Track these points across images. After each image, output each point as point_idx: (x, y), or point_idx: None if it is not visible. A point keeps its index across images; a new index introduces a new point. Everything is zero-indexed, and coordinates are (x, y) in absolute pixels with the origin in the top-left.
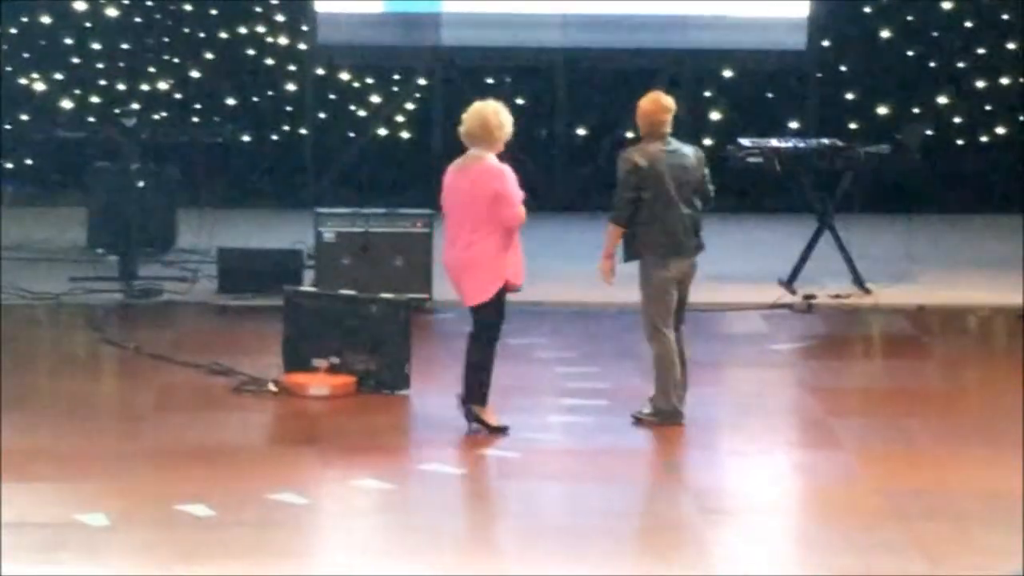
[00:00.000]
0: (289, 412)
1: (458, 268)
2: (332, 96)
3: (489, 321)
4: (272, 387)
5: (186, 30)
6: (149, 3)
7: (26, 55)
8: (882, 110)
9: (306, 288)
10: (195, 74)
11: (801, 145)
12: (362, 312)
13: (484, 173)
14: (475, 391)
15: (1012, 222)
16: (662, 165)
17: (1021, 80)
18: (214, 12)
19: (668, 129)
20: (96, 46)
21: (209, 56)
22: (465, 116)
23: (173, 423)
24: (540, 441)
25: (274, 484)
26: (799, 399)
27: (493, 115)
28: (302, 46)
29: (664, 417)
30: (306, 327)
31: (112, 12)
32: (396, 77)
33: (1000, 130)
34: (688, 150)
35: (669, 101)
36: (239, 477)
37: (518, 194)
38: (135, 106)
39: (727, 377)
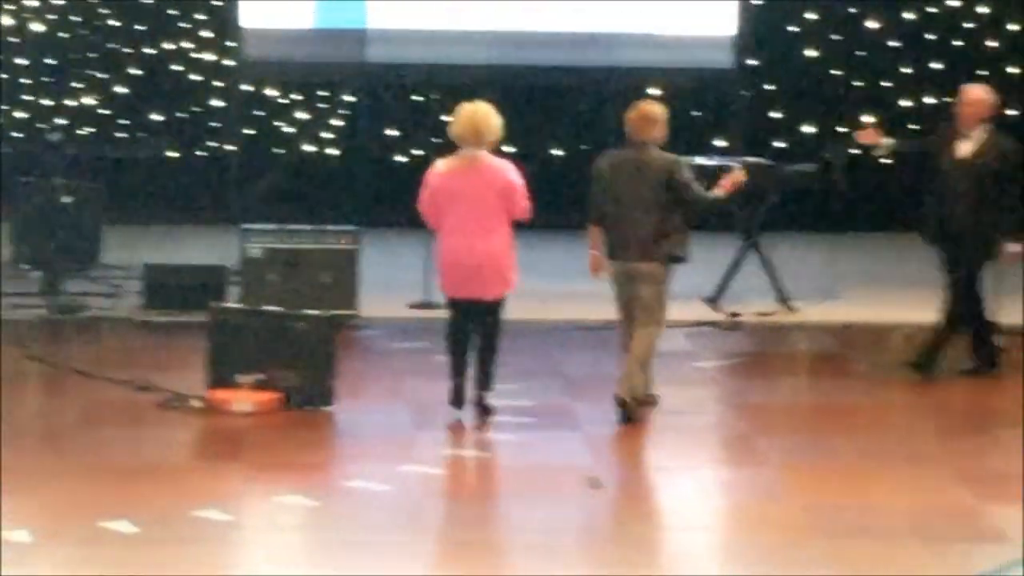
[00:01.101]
0: (214, 428)
1: (474, 263)
2: (258, 112)
3: (500, 312)
4: (197, 403)
5: (112, 45)
6: (75, 18)
7: None
8: (808, 129)
9: (232, 304)
10: (121, 89)
11: (727, 163)
12: (287, 328)
13: (493, 167)
14: (489, 380)
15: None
16: (621, 170)
17: (945, 100)
18: (140, 28)
19: (644, 137)
20: (21, 61)
21: (135, 72)
22: (456, 118)
23: (98, 439)
24: (465, 458)
25: (199, 500)
26: (724, 416)
27: (485, 117)
28: (228, 62)
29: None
30: (231, 343)
31: (38, 27)
32: (322, 93)
33: None
34: (661, 160)
35: (652, 111)
36: (164, 493)
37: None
38: (61, 121)
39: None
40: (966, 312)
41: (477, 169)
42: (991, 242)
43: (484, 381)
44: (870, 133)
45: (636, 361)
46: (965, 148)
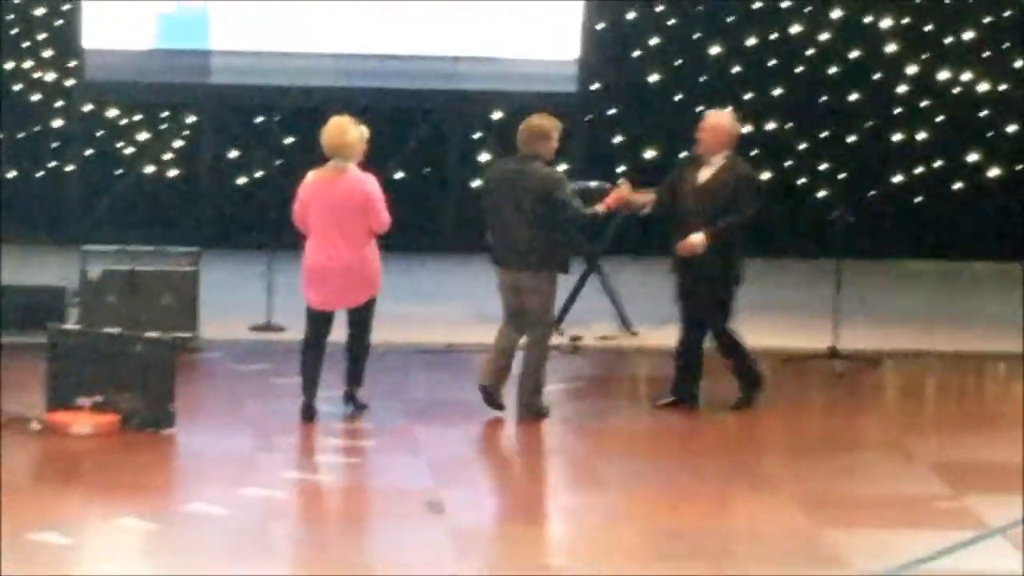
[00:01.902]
0: (52, 450)
1: (338, 272)
2: (99, 132)
3: (370, 314)
4: (35, 425)
5: None
6: None
7: None
8: (650, 153)
9: (71, 326)
10: None
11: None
12: (127, 350)
13: (355, 180)
14: (361, 376)
15: (776, 266)
16: (502, 182)
17: (786, 127)
18: None
19: (529, 150)
20: None
21: None
22: (325, 130)
23: None
24: (306, 481)
25: (37, 523)
26: (565, 439)
27: (352, 128)
28: (70, 82)
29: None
30: (70, 365)
31: None
32: (164, 114)
33: (765, 175)
34: (540, 176)
35: (540, 124)
36: (2, 516)
37: (383, 200)
38: None
39: (491, 418)
40: (720, 344)
41: (340, 181)
42: (729, 267)
43: (356, 377)
44: (619, 194)
45: (528, 371)
46: (704, 174)
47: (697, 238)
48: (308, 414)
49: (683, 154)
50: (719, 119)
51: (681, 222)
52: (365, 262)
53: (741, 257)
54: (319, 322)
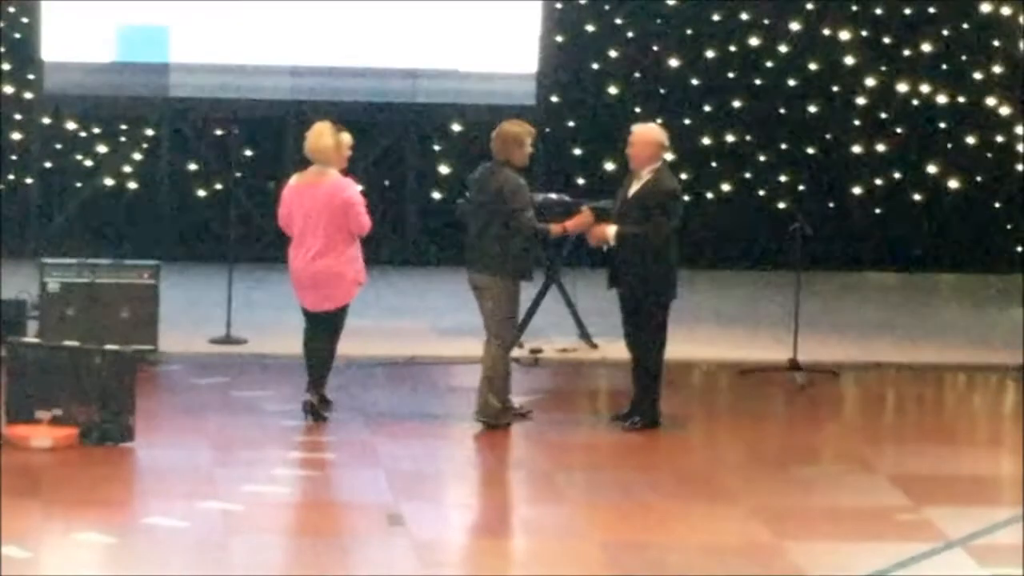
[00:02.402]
0: (11, 464)
1: (317, 275)
2: (58, 145)
3: (341, 318)
4: None
5: None
6: None
7: None
8: (609, 166)
9: (29, 339)
10: None
11: (575, 201)
12: (86, 363)
13: (335, 185)
14: (325, 379)
15: (736, 278)
16: (474, 185)
17: (747, 138)
18: None
19: (500, 157)
20: None
21: None
22: (308, 135)
23: None
24: (266, 495)
25: None
26: (525, 453)
27: (333, 133)
28: (28, 95)
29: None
30: (29, 378)
31: None
32: (123, 127)
33: (725, 187)
34: (502, 181)
35: (512, 130)
36: None
37: (363, 203)
38: None
39: (452, 431)
40: (641, 367)
41: (320, 185)
42: (663, 283)
43: (319, 382)
44: (599, 231)
45: (483, 377)
46: (633, 188)
47: (610, 229)
48: (306, 408)
49: None
50: (644, 133)
51: None
52: (336, 268)
53: (673, 272)
54: (309, 319)
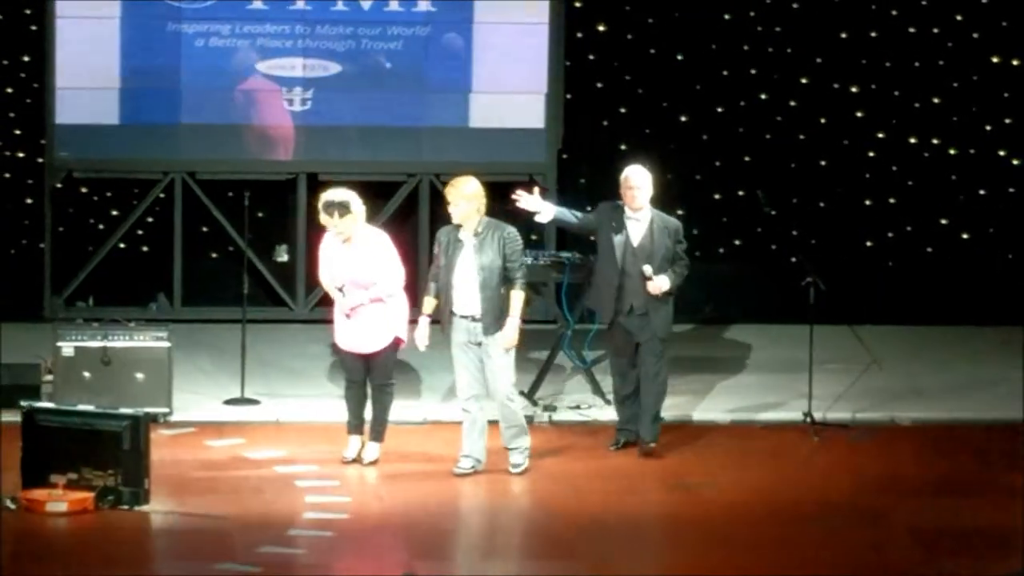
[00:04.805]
0: (27, 529)
1: (352, 321)
2: (70, 209)
3: (389, 361)
4: (10, 504)
5: None
6: None
7: None
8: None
9: (44, 403)
10: None
11: (543, 258)
12: (100, 427)
13: (366, 237)
14: (381, 431)
15: (747, 331)
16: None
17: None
18: None
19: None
20: None
21: None
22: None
23: None
24: (281, 555)
25: None
26: (533, 508)
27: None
28: (39, 160)
29: None
30: (45, 442)
31: None
32: (135, 190)
33: (736, 241)
34: (498, 233)
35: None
36: None
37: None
38: None
39: (465, 482)
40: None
41: (354, 239)
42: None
43: (375, 431)
44: (656, 287)
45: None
46: (638, 229)
47: (661, 281)
48: (351, 454)
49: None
50: (644, 171)
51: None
52: (373, 313)
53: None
54: (348, 363)
